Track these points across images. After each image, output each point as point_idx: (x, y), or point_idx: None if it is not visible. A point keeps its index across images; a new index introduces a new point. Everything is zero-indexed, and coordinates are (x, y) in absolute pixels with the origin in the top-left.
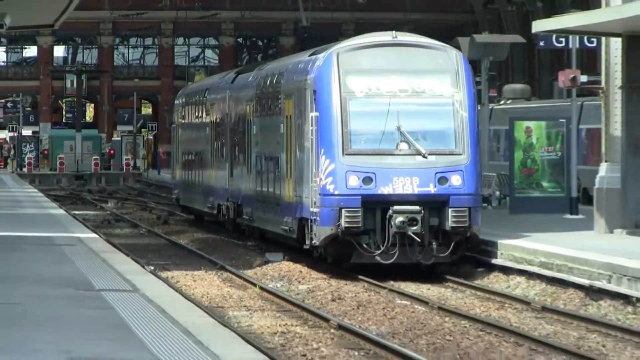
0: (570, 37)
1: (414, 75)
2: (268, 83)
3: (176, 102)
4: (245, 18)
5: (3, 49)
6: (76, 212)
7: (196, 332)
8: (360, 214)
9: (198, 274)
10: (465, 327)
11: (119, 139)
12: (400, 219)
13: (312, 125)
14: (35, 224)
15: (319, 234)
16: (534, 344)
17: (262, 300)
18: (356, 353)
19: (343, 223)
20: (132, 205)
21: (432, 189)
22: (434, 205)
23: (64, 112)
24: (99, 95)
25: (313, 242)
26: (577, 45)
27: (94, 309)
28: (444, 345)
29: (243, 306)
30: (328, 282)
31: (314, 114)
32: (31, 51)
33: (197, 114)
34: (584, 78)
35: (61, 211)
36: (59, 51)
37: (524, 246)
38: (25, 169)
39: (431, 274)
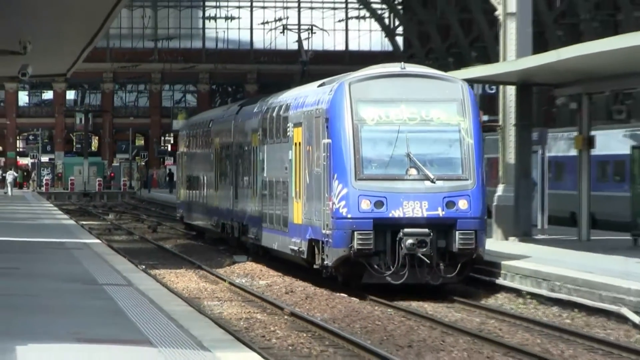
0: (475, 85)
1: (422, 104)
2: (274, 113)
3: (180, 132)
4: (218, 69)
5: (26, 92)
6: (83, 222)
7: (178, 317)
8: (371, 236)
9: (180, 272)
10: (391, 314)
11: (118, 164)
12: (410, 241)
13: (324, 152)
14: (51, 231)
15: (332, 255)
16: (445, 328)
17: (231, 293)
18: (304, 334)
19: (355, 245)
20: (128, 217)
21: (440, 212)
22: (442, 228)
23: (74, 143)
24: (102, 130)
25: (325, 262)
26: (480, 91)
27: (98, 300)
28: (374, 328)
29: (215, 297)
30: (282, 279)
31: (326, 140)
32: (48, 95)
33: (201, 142)
34: (485, 117)
35: (71, 221)
36: (70, 95)
37: None
38: (43, 188)
39: None
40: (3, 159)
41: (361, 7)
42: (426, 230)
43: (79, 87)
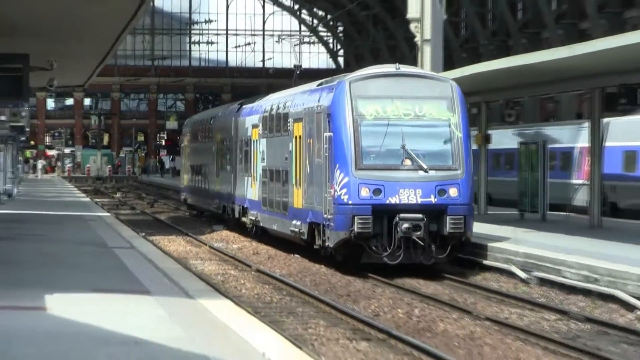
0: None
1: (416, 101)
2: (274, 109)
3: (184, 129)
4: (201, 82)
5: (52, 99)
6: (97, 200)
7: (170, 273)
8: (370, 221)
9: (171, 238)
10: (335, 270)
11: (124, 155)
12: (405, 225)
13: (325, 144)
14: (71, 207)
15: (333, 237)
16: (375, 281)
17: (210, 254)
18: (267, 286)
19: (356, 228)
20: (131, 195)
21: (432, 199)
22: (434, 213)
23: (89, 139)
24: (111, 129)
25: (326, 244)
26: None
27: (108, 259)
28: (320, 282)
29: (198, 257)
30: (250, 244)
31: (327, 134)
32: (69, 101)
33: (203, 136)
34: None
35: (87, 199)
36: (87, 101)
37: None
38: (65, 173)
39: None
40: (35, 151)
41: (311, 34)
42: (420, 215)
43: (93, 95)
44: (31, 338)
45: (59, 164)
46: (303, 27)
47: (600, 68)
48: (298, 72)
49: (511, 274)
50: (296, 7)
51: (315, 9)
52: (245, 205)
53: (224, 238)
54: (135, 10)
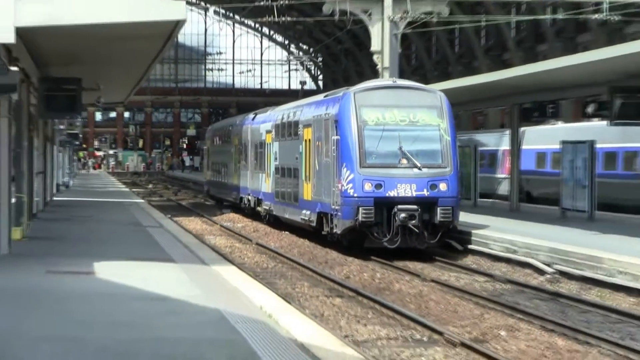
0: None
1: (410, 109)
2: (286, 118)
3: (207, 134)
4: (213, 100)
5: (100, 112)
6: (133, 190)
7: (190, 245)
8: (373, 211)
9: (191, 219)
10: (321, 246)
11: (154, 156)
12: (402, 215)
13: (333, 146)
14: (113, 195)
15: (340, 225)
16: (347, 252)
17: (220, 231)
18: (265, 256)
19: (360, 217)
20: (160, 186)
21: (425, 192)
22: (427, 204)
23: (128, 143)
24: (145, 135)
25: (334, 230)
26: None
27: (141, 235)
28: (304, 252)
29: (212, 234)
30: (251, 224)
31: (335, 137)
32: (113, 114)
33: (223, 140)
34: None
35: (126, 189)
36: (126, 114)
37: None
38: (110, 170)
39: None
40: (86, 152)
41: (297, 63)
42: (415, 206)
43: (131, 109)
44: (84, 296)
45: (104, 162)
46: (292, 57)
47: (519, 88)
48: (302, 87)
49: (450, 246)
50: (286, 42)
51: (300, 44)
52: (259, 197)
53: (230, 219)
54: (162, 46)
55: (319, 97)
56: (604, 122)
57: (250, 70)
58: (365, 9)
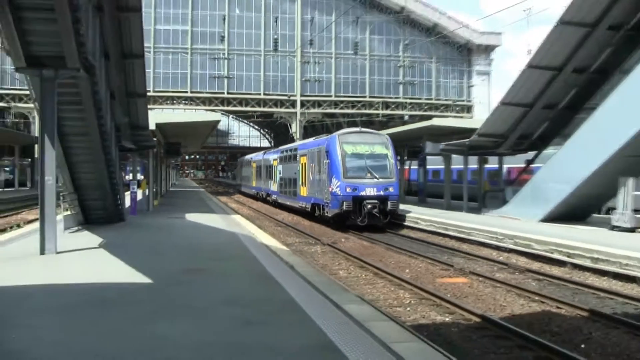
0: None
1: (371, 145)
2: (288, 152)
3: (238, 162)
4: (230, 151)
5: (186, 155)
6: (200, 186)
7: (223, 207)
8: (351, 204)
9: (224, 199)
10: (333, 230)
11: (208, 172)
12: (369, 206)
13: (324, 166)
14: (193, 187)
15: (330, 212)
16: (340, 227)
17: (235, 202)
18: (254, 212)
19: (344, 207)
20: (210, 184)
21: (382, 193)
22: (382, 199)
23: (198, 166)
24: (204, 163)
25: (325, 214)
26: None
27: (203, 204)
28: (298, 222)
29: (232, 202)
30: (255, 203)
31: (326, 161)
32: (192, 156)
33: (247, 165)
34: None
35: (197, 185)
36: (197, 156)
37: None
38: (191, 178)
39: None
40: (182, 171)
41: (263, 135)
42: (376, 201)
43: (201, 154)
44: (181, 225)
45: (189, 175)
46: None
47: (407, 138)
48: (291, 136)
49: (405, 226)
50: (260, 128)
51: (265, 129)
52: (269, 193)
53: (238, 199)
54: (211, 130)
55: (310, 140)
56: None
57: (245, 139)
58: (290, 115)
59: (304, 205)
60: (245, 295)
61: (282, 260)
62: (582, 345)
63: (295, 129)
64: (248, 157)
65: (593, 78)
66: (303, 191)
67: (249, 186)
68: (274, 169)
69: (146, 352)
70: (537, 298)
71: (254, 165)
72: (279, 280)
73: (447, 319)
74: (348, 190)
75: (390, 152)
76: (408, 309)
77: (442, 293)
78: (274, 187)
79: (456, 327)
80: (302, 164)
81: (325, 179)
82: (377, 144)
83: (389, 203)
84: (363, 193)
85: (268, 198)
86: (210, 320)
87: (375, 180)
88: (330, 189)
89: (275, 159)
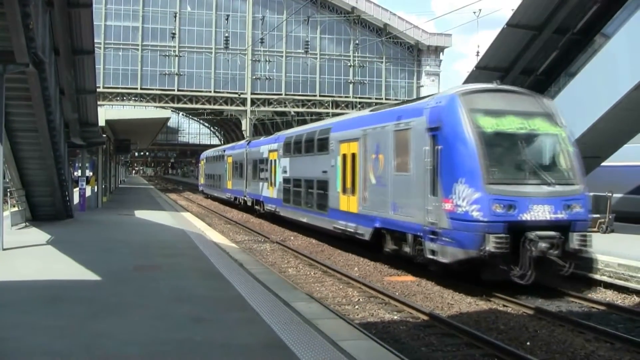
0: None
1: (527, 116)
2: (298, 139)
3: (200, 158)
4: (180, 148)
5: (136, 152)
6: (149, 182)
7: (172, 205)
8: (505, 239)
9: (174, 196)
10: (283, 228)
11: (157, 169)
12: (542, 243)
13: (428, 158)
14: (142, 184)
15: (450, 254)
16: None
17: (186, 201)
18: (204, 210)
19: (488, 247)
20: (159, 181)
21: (562, 215)
22: (563, 228)
23: (148, 163)
24: (153, 160)
25: (431, 255)
26: None
27: (153, 201)
28: (266, 228)
29: (183, 200)
30: (239, 215)
31: (437, 147)
32: (142, 152)
33: (216, 159)
34: None
35: (146, 182)
36: (147, 153)
37: None
38: (140, 175)
39: None
40: (131, 167)
41: (213, 132)
42: (553, 233)
43: (150, 150)
44: (130, 222)
45: (138, 172)
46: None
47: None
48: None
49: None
50: (209, 126)
51: (215, 126)
52: (258, 199)
53: (187, 197)
54: (161, 127)
55: (365, 111)
56: None
57: (195, 137)
58: (240, 113)
59: (352, 230)
60: (195, 292)
61: (231, 257)
62: (528, 343)
63: (245, 126)
64: (218, 149)
65: (540, 80)
66: (343, 203)
67: (219, 188)
68: (271, 166)
69: (94, 349)
70: (484, 296)
71: (230, 160)
72: (228, 278)
73: (395, 317)
74: (497, 208)
75: (564, 132)
76: (357, 307)
77: (390, 291)
78: (269, 192)
79: (404, 325)
80: (342, 155)
81: (424, 183)
82: (537, 116)
83: (574, 236)
84: (526, 216)
85: (256, 207)
86: (160, 317)
87: (548, 188)
88: (449, 206)
89: (273, 150)
